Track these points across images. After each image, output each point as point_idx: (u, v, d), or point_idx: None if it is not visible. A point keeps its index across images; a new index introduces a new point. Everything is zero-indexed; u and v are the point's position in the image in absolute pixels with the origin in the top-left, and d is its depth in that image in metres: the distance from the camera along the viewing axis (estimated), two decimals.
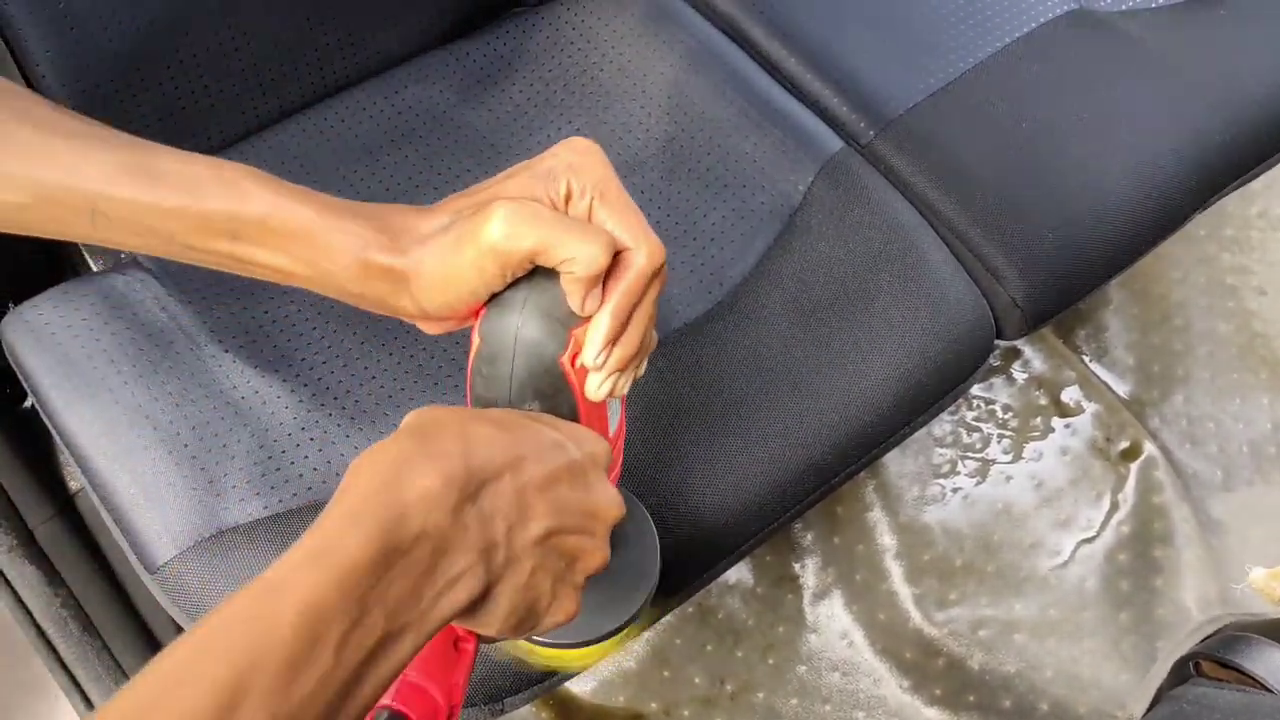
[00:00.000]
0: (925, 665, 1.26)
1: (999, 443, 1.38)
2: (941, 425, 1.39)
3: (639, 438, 0.81)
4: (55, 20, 0.81)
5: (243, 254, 0.53)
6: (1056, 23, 1.05)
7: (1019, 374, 1.43)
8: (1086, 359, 1.46)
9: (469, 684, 0.49)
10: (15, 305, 0.85)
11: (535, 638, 0.62)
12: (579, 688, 1.23)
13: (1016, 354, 1.44)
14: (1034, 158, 0.97)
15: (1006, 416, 1.40)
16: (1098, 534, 1.33)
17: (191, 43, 0.87)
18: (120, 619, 1.02)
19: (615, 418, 0.60)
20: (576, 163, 0.54)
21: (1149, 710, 1.15)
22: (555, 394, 0.54)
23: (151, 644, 1.03)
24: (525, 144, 0.95)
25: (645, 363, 0.58)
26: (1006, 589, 1.30)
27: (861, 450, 0.86)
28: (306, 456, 0.79)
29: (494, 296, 0.54)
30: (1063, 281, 0.95)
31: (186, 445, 0.78)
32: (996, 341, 0.95)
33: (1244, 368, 1.46)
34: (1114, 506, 1.35)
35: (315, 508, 0.76)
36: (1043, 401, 1.41)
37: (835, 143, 0.97)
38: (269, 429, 0.80)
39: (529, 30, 1.02)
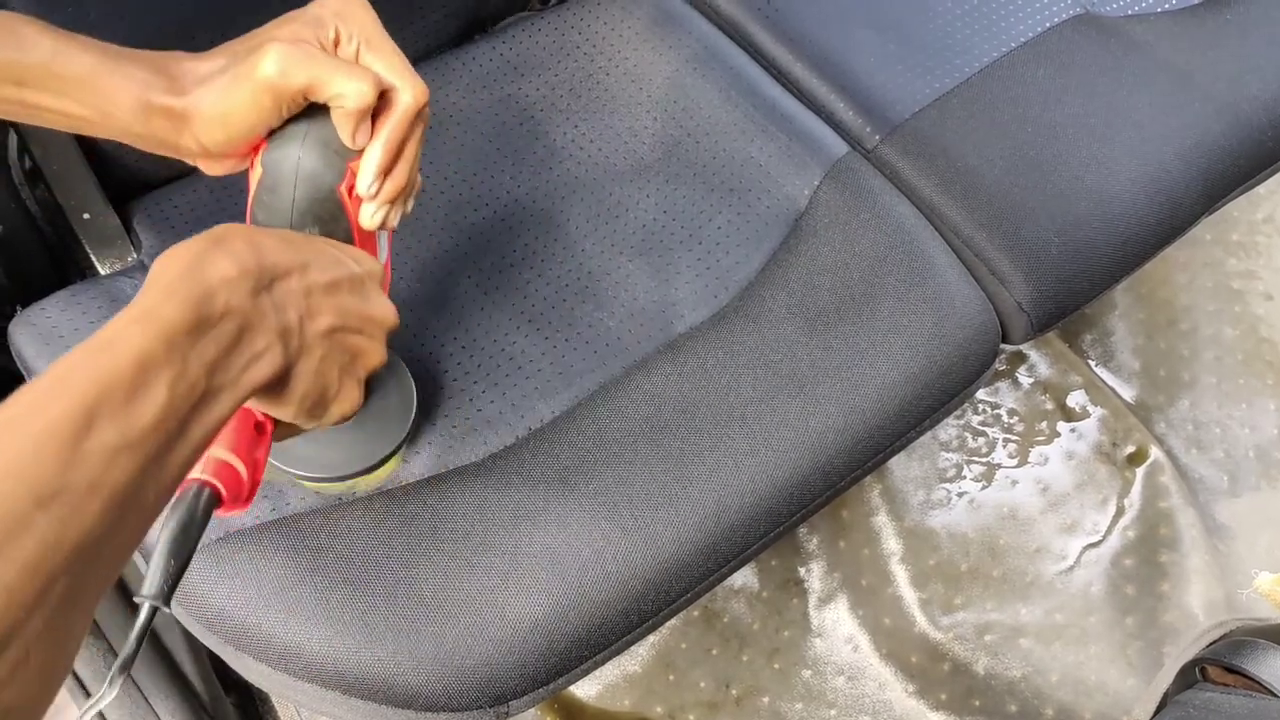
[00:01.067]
0: (931, 670, 1.25)
1: (1004, 447, 1.38)
2: (947, 430, 1.39)
3: (646, 441, 0.81)
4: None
5: (29, 99, 0.56)
6: (1062, 27, 1.05)
7: (1024, 378, 1.43)
8: (1092, 363, 1.46)
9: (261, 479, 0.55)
10: (23, 308, 0.85)
11: (307, 476, 0.72)
12: (584, 691, 1.23)
13: (1022, 358, 1.44)
14: (1040, 162, 0.97)
15: (1012, 421, 1.40)
16: (1103, 539, 1.33)
17: (198, 46, 0.87)
18: (126, 622, 1.02)
19: (385, 251, 0.66)
20: (343, 10, 0.59)
21: (1155, 716, 1.15)
22: (333, 221, 0.60)
23: (157, 647, 1.03)
24: (532, 147, 0.96)
25: (414, 201, 0.64)
26: (1012, 594, 1.30)
27: (867, 454, 0.86)
28: None
29: (274, 132, 0.58)
30: (1068, 286, 0.95)
31: None
32: (1002, 346, 0.95)
33: (1250, 372, 1.46)
34: (1120, 511, 1.35)
35: (320, 512, 0.76)
36: (1048, 406, 1.41)
37: (841, 147, 0.97)
38: None
39: (535, 35, 1.03)
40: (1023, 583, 1.30)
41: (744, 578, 1.29)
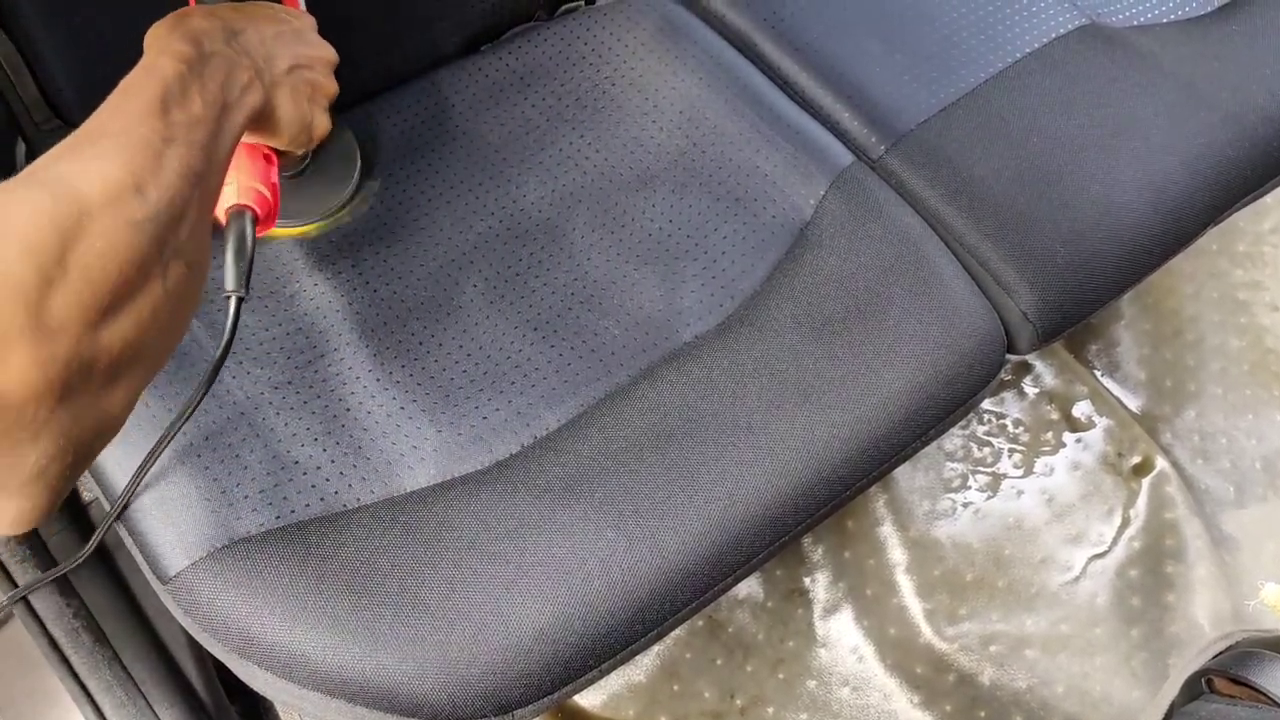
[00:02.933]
0: (936, 680, 1.25)
1: (1010, 457, 1.38)
2: (952, 439, 1.39)
3: (651, 450, 0.81)
4: (71, 32, 0.82)
5: None
6: (1068, 38, 1.06)
7: (1030, 388, 1.43)
8: (1098, 373, 1.45)
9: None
10: None
11: (284, 223, 0.91)
12: (588, 701, 1.23)
13: (1028, 368, 1.44)
14: (1045, 172, 0.97)
15: (1018, 431, 1.40)
16: (1109, 549, 1.33)
17: None
18: (132, 630, 1.02)
19: (302, 4, 0.80)
20: None
21: None
22: None
23: (163, 655, 1.03)
24: (538, 157, 0.96)
25: None
26: (1017, 604, 1.29)
27: (872, 463, 0.86)
28: (319, 467, 0.79)
29: None
30: (1074, 296, 0.95)
31: (199, 455, 0.78)
32: (1008, 355, 0.95)
33: (1256, 383, 1.46)
34: (1125, 522, 1.34)
35: (327, 518, 0.76)
36: (1054, 416, 1.41)
37: (846, 157, 0.98)
38: (281, 439, 0.80)
39: (541, 45, 1.03)
40: (1028, 593, 1.30)
41: (749, 587, 1.29)
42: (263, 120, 0.65)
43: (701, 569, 0.79)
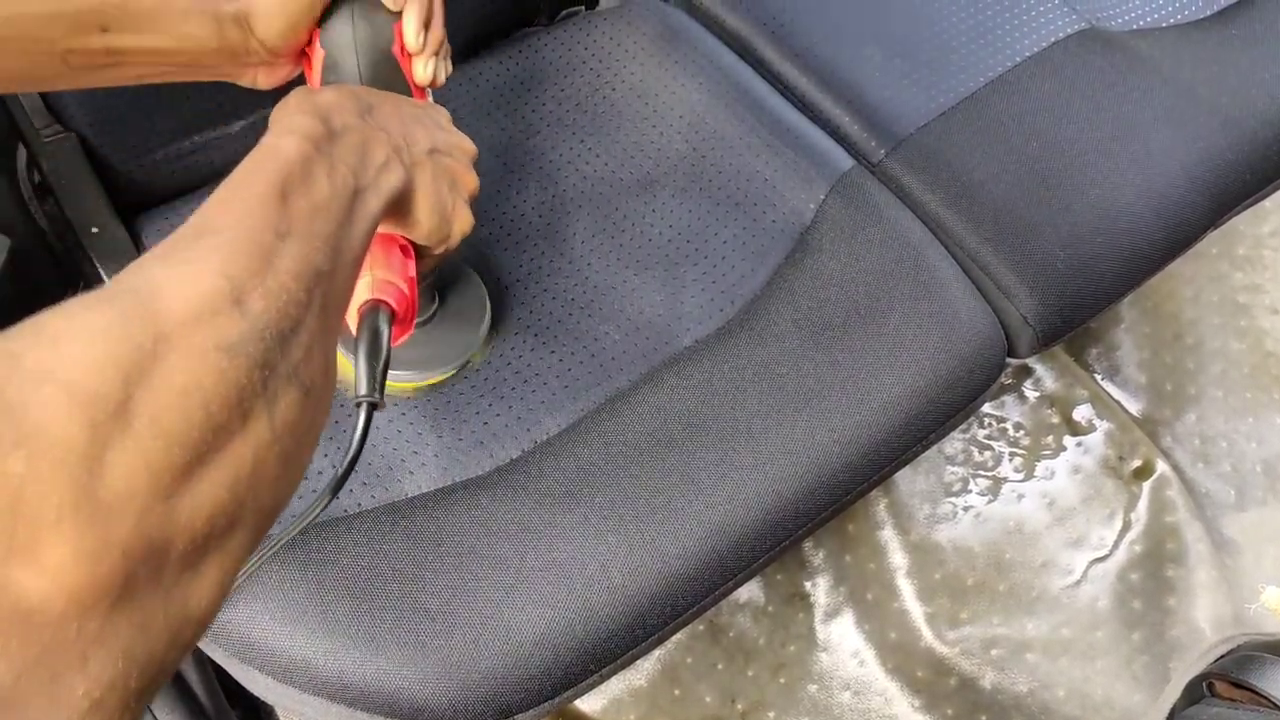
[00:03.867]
0: (937, 684, 1.25)
1: (1010, 461, 1.38)
2: (953, 443, 1.39)
3: (652, 455, 0.81)
4: None
5: (115, 43, 0.60)
6: (1067, 42, 1.06)
7: (1030, 392, 1.43)
8: (1098, 377, 1.46)
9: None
10: None
11: (405, 377, 0.82)
12: (588, 705, 1.23)
13: (1028, 372, 1.44)
14: (1045, 176, 0.97)
15: (1018, 434, 1.40)
16: (1110, 553, 1.33)
17: None
18: None
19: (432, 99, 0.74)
20: None
21: None
22: (393, 84, 0.67)
23: None
24: (538, 162, 0.96)
25: (450, 63, 0.71)
26: (1018, 608, 1.29)
27: (873, 467, 0.86)
28: (320, 473, 0.79)
29: (323, 17, 0.65)
30: (1074, 299, 0.95)
31: None
32: (1008, 359, 0.95)
33: (1257, 386, 1.46)
34: (1126, 525, 1.34)
35: (328, 524, 0.77)
36: (1054, 420, 1.41)
37: (846, 161, 0.98)
38: None
39: (541, 50, 1.03)
40: (1029, 597, 1.30)
41: (749, 592, 1.29)
42: (401, 207, 0.58)
43: (702, 573, 0.79)
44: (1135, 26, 1.08)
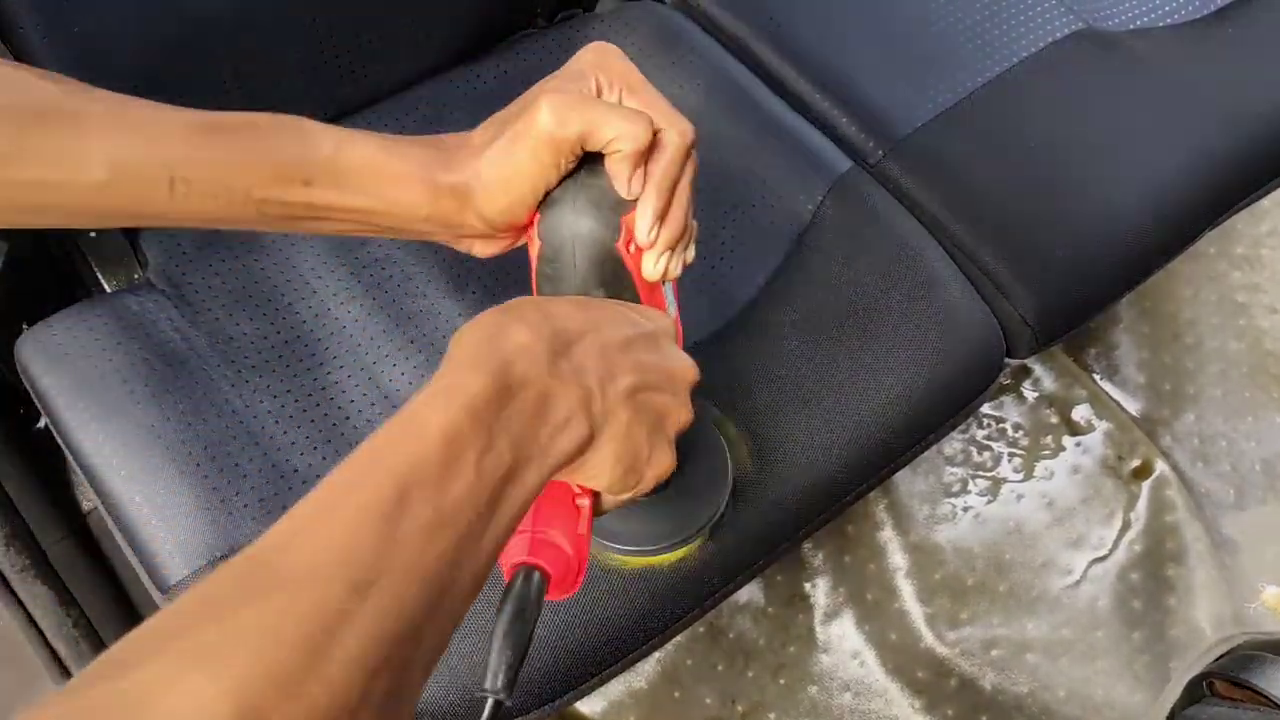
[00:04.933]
0: (937, 685, 1.25)
1: (1010, 461, 1.38)
2: (952, 444, 1.39)
3: None
4: (69, 40, 0.82)
5: (318, 199, 0.55)
6: (1064, 42, 1.06)
7: (1029, 392, 1.43)
8: (1097, 377, 1.46)
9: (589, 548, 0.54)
10: (29, 326, 0.85)
11: (625, 548, 0.73)
12: (589, 708, 1.23)
13: (1027, 372, 1.44)
14: (1043, 176, 0.97)
15: (1017, 435, 1.40)
16: (1110, 553, 1.33)
17: (203, 66, 0.88)
18: None
19: (673, 305, 0.65)
20: (601, 61, 0.58)
21: None
22: (616, 280, 0.59)
23: None
24: None
25: (694, 247, 0.62)
26: (1018, 608, 1.29)
27: (872, 468, 0.86)
28: (319, 476, 0.79)
29: (544, 204, 0.57)
30: (1073, 299, 0.95)
31: (199, 464, 0.78)
32: (1006, 360, 0.95)
33: (1255, 386, 1.46)
34: (1126, 525, 1.34)
35: None
36: (1053, 420, 1.41)
37: (844, 162, 0.98)
38: (280, 447, 0.80)
39: (539, 52, 1.03)
40: (1029, 597, 1.30)
41: (749, 593, 1.29)
42: (581, 457, 0.49)
43: (702, 575, 0.79)
44: (1132, 26, 1.08)
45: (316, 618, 0.33)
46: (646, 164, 0.57)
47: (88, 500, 1.08)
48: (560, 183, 0.57)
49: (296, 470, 0.79)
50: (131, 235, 0.92)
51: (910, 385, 0.87)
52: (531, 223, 0.59)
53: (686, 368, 0.57)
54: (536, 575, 0.50)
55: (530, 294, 0.60)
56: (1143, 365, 1.47)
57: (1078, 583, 1.31)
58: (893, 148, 0.99)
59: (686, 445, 0.68)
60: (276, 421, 0.81)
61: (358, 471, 0.39)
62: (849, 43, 1.06)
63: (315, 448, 0.80)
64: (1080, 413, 1.41)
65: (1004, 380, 1.42)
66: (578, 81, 0.57)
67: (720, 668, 1.25)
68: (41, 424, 1.00)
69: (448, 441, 0.40)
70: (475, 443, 0.41)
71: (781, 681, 1.25)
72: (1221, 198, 1.02)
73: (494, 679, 0.47)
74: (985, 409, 1.41)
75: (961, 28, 1.07)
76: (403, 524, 0.37)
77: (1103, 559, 1.32)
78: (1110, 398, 1.43)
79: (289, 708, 0.31)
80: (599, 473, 0.51)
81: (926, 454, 0.99)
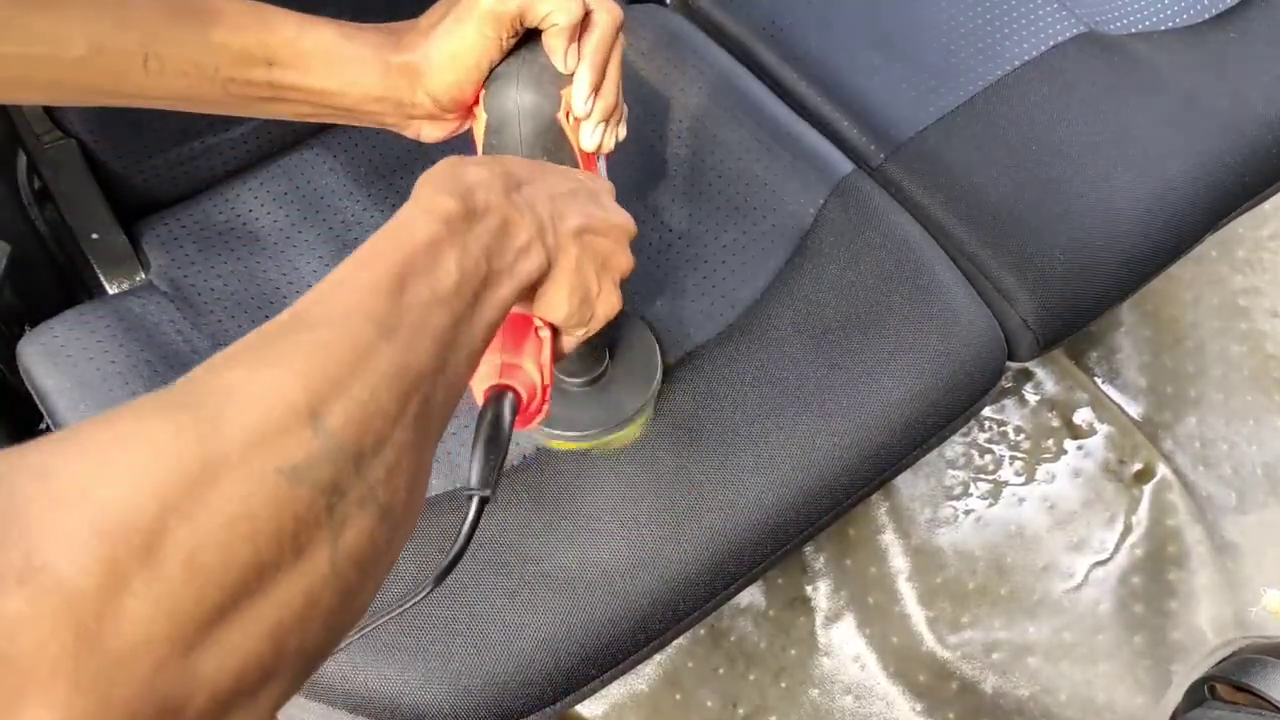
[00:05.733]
0: (938, 689, 1.25)
1: (1011, 464, 1.38)
2: (953, 447, 1.39)
3: (653, 459, 0.81)
4: None
5: (278, 78, 0.60)
6: (1066, 46, 1.06)
7: (1031, 396, 1.43)
8: (1099, 381, 1.46)
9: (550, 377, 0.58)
10: (31, 328, 0.85)
11: (567, 434, 0.78)
12: (591, 710, 1.23)
13: (1028, 375, 1.44)
14: (1044, 180, 0.98)
15: (1019, 438, 1.40)
16: (1111, 556, 1.33)
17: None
18: None
19: (604, 176, 0.69)
20: None
21: None
22: (558, 149, 0.64)
23: None
24: None
25: (624, 125, 0.67)
26: (1020, 612, 1.29)
27: (874, 471, 0.86)
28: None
29: (488, 82, 0.62)
30: (1074, 303, 0.95)
31: None
32: (1008, 363, 0.95)
33: (1257, 389, 1.46)
34: (1127, 529, 1.34)
35: None
36: (1055, 423, 1.41)
37: (846, 165, 0.98)
38: None
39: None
40: (1030, 601, 1.30)
41: (750, 596, 1.29)
42: (539, 290, 0.54)
43: (703, 577, 0.79)
44: (1134, 30, 1.08)
45: (353, 344, 0.38)
46: (580, 42, 0.62)
47: None
48: (503, 60, 0.62)
49: None
50: (134, 238, 0.92)
51: (912, 388, 0.87)
52: (477, 100, 0.63)
53: (626, 220, 0.61)
54: (509, 395, 0.55)
55: None
56: (1144, 368, 1.47)
57: (1079, 586, 1.31)
58: (894, 151, 0.99)
59: (619, 339, 0.80)
60: None
61: (358, 264, 0.43)
62: (851, 46, 1.06)
63: None
64: (1082, 416, 1.41)
65: (1005, 383, 1.42)
66: None
67: (721, 670, 1.25)
68: (43, 425, 1.00)
69: (432, 243, 0.45)
70: (453, 248, 0.45)
71: (783, 684, 1.25)
72: (1223, 201, 1.02)
73: (477, 479, 0.53)
74: (987, 412, 1.41)
75: (963, 31, 1.07)
76: (405, 296, 0.42)
77: (1104, 562, 1.32)
78: (1112, 401, 1.43)
79: (342, 402, 0.35)
80: (556, 303, 0.55)
81: (928, 457, 0.99)
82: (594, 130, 0.64)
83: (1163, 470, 1.37)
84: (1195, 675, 1.11)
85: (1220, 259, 1.56)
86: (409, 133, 0.66)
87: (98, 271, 0.91)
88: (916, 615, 1.28)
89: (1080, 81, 1.03)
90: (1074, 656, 1.27)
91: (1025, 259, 0.94)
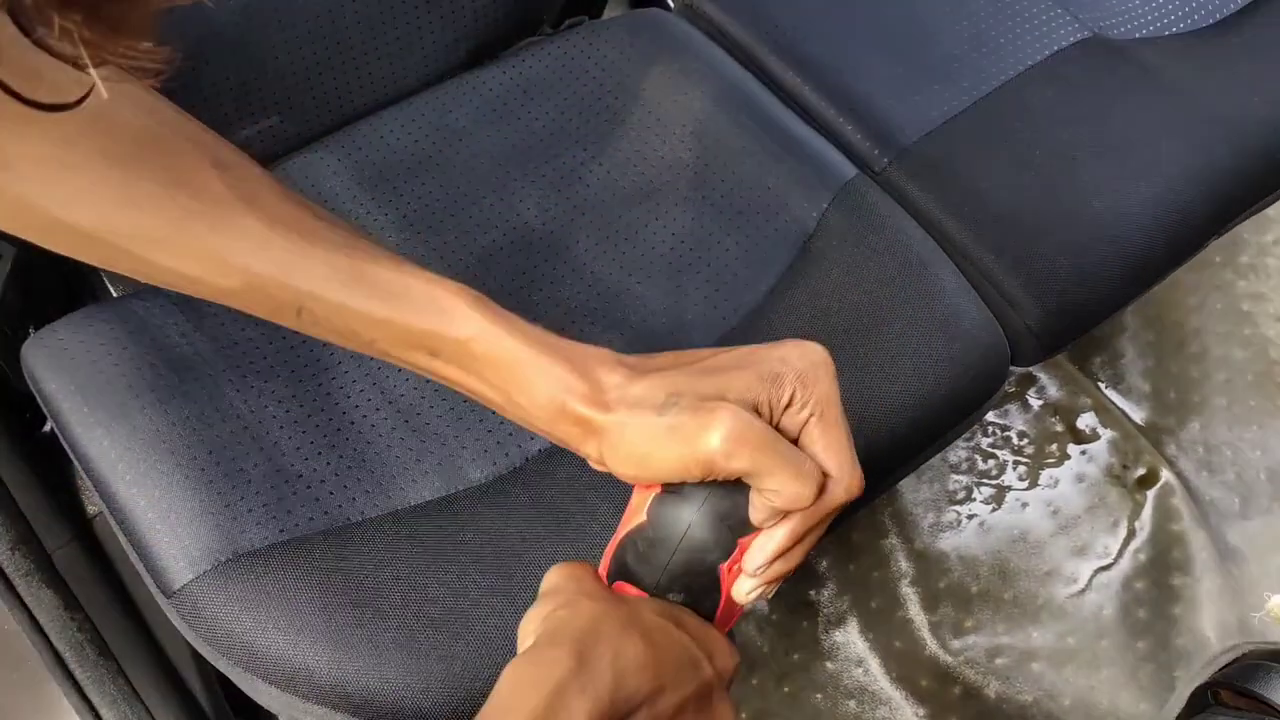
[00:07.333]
0: (942, 694, 1.25)
1: (1015, 469, 1.38)
2: (957, 452, 1.39)
3: None
4: None
5: (439, 370, 0.55)
6: (1070, 50, 1.06)
7: (1034, 400, 1.43)
8: (1102, 385, 1.45)
9: None
10: (36, 329, 0.86)
11: None
12: None
13: (1032, 380, 1.44)
14: (1048, 184, 0.98)
15: (1022, 443, 1.40)
16: (1115, 561, 1.33)
17: (211, 72, 0.88)
18: (136, 644, 1.02)
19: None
20: (806, 374, 0.53)
21: None
22: (703, 594, 0.55)
23: (167, 669, 1.03)
24: (541, 171, 0.96)
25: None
26: (1023, 617, 1.29)
27: (877, 476, 0.86)
28: (323, 481, 0.79)
29: (670, 487, 0.53)
30: (1077, 308, 0.95)
31: (203, 469, 0.78)
32: (1011, 368, 0.95)
33: (1261, 394, 1.46)
34: (1131, 534, 1.34)
35: (331, 532, 0.77)
36: (1058, 428, 1.41)
37: (849, 169, 0.98)
38: (285, 453, 0.80)
39: (544, 59, 1.03)
40: (1034, 606, 1.30)
41: None
42: None
43: None
44: (1138, 35, 1.08)
45: None
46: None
47: (92, 505, 1.09)
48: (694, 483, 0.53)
49: (300, 475, 0.79)
50: None
51: (915, 392, 0.87)
52: (647, 486, 0.55)
53: (733, 657, 0.55)
54: None
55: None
56: (1148, 374, 1.46)
57: (1082, 591, 1.31)
58: (898, 155, 1.00)
59: None
60: (281, 426, 0.81)
61: None
62: (854, 50, 1.06)
63: (319, 453, 0.80)
64: (1085, 421, 1.41)
65: (1009, 388, 1.42)
66: (771, 387, 0.52)
67: None
68: (47, 428, 1.01)
69: None
70: None
71: (785, 689, 1.25)
72: (1227, 206, 1.02)
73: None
74: (990, 417, 1.41)
75: (967, 36, 1.07)
76: None
77: (1108, 568, 1.32)
78: (1115, 406, 1.43)
79: None
80: None
81: (931, 461, 0.99)
82: (754, 589, 0.55)
83: (1166, 475, 1.37)
84: (1198, 681, 1.11)
85: (1224, 264, 1.56)
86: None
87: (102, 274, 0.92)
88: (920, 620, 1.28)
89: (1084, 86, 1.03)
90: (1077, 662, 1.27)
91: (1029, 263, 0.94)
